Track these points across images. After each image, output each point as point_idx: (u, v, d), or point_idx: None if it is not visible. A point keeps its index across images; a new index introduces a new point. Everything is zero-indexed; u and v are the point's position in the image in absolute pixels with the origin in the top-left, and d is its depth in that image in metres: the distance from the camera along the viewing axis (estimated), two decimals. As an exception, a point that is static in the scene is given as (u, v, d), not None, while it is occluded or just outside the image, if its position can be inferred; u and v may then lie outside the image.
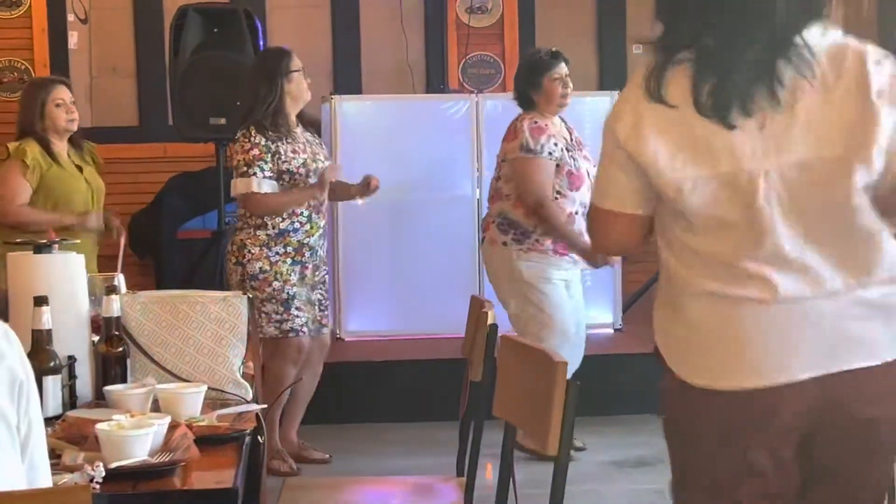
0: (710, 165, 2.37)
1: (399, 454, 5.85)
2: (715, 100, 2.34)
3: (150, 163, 8.34)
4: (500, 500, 2.87)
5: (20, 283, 2.78)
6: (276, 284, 5.31)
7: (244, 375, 2.98)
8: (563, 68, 5.63)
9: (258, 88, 5.38)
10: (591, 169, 5.60)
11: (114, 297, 2.87)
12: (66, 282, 2.81)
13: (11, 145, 5.27)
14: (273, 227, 5.32)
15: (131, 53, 8.66)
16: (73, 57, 8.61)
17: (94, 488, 2.19)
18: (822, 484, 2.42)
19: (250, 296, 3.01)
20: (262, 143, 5.25)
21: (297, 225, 5.35)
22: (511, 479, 3.05)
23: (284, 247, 5.33)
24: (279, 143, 5.28)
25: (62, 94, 5.36)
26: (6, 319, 2.80)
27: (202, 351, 2.90)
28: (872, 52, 2.36)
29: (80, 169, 5.41)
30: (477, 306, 3.54)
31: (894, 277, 2.38)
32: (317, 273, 5.45)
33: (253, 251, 5.31)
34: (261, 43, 7.32)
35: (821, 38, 2.36)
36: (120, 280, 3.15)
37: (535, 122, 5.57)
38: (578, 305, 5.76)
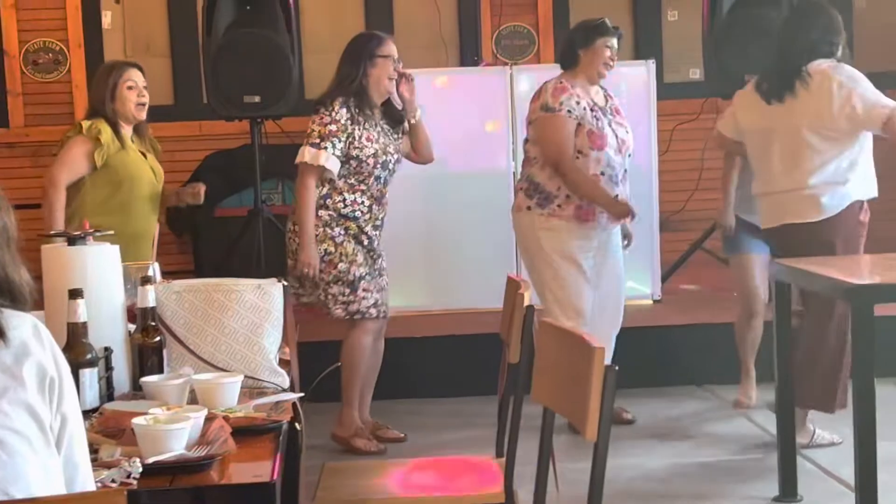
0: (758, 122, 5.24)
1: (437, 430, 5.85)
2: (765, 92, 5.18)
3: (185, 141, 8.34)
4: (539, 483, 2.85)
5: (55, 276, 2.77)
6: (341, 266, 5.28)
7: (280, 363, 2.97)
8: (616, 42, 5.67)
9: (342, 68, 5.36)
10: (625, 135, 5.63)
11: (148, 287, 2.85)
12: (100, 273, 2.79)
13: (85, 123, 5.21)
14: (334, 210, 5.29)
15: (165, 32, 8.66)
16: (107, 36, 8.62)
17: (130, 484, 2.18)
18: None
19: (285, 283, 2.99)
20: (342, 120, 5.22)
21: (357, 213, 5.31)
22: (551, 461, 3.03)
23: (345, 229, 5.30)
24: (356, 127, 5.24)
25: (134, 75, 5.29)
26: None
27: (238, 339, 2.88)
28: (837, 78, 5.01)
29: (143, 155, 5.34)
30: (513, 287, 3.51)
31: (826, 183, 5.06)
32: (377, 261, 5.42)
33: (317, 232, 5.26)
34: (293, 19, 7.30)
35: (817, 66, 5.06)
36: (155, 269, 3.14)
37: (561, 82, 5.58)
38: (609, 274, 5.72)
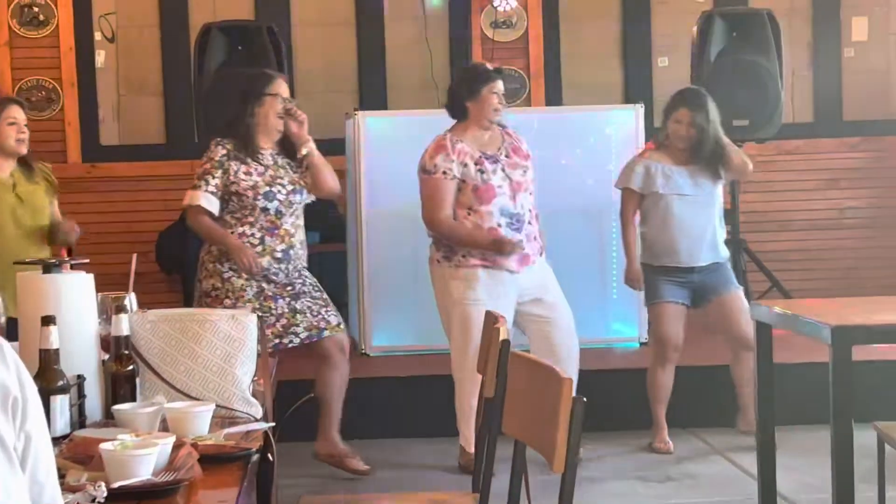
0: None
1: (423, 469, 5.83)
2: None
3: (177, 180, 8.31)
4: (510, 514, 2.86)
5: (29, 303, 2.78)
6: (227, 302, 5.28)
7: (255, 393, 2.97)
8: (502, 85, 5.64)
9: (230, 107, 5.49)
10: (521, 177, 5.62)
11: (123, 315, 2.86)
12: (74, 301, 2.80)
13: None
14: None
15: (158, 71, 8.68)
16: (101, 75, 8.65)
17: (95, 508, 2.19)
18: None
19: (260, 314, 2.99)
20: (217, 157, 5.31)
21: (247, 245, 5.30)
22: (526, 493, 3.03)
23: (235, 264, 5.30)
24: (234, 162, 5.31)
25: (15, 112, 5.38)
26: (14, 338, 2.81)
27: (211, 369, 2.88)
28: None
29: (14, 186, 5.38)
30: (490, 322, 3.52)
31: None
32: (289, 287, 5.37)
33: (208, 268, 5.34)
34: (284, 60, 7.35)
35: None
36: (130, 299, 3.14)
37: (444, 139, 5.59)
38: (552, 311, 5.70)
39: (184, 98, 8.17)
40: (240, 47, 7.30)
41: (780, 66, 7.36)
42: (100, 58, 8.65)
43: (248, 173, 5.30)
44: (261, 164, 5.34)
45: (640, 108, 7.37)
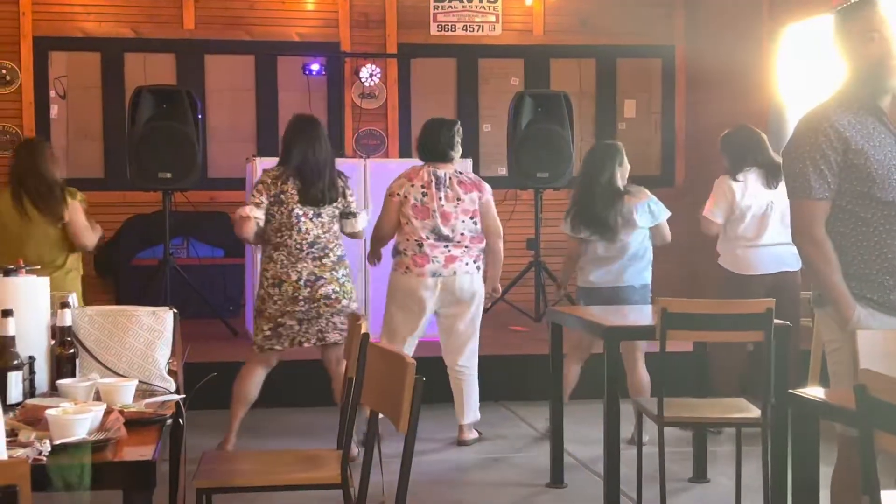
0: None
1: (303, 433, 5.76)
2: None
3: (112, 206, 8.17)
4: (364, 468, 2.85)
5: (-8, 300, 2.68)
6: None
7: (169, 372, 2.90)
8: None
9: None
10: None
11: (66, 310, 2.78)
12: (29, 298, 2.71)
13: None
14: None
15: (99, 122, 8.48)
16: (54, 125, 8.41)
17: (41, 460, 2.11)
18: None
19: (175, 310, 2.93)
20: None
21: None
22: (378, 451, 3.02)
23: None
24: None
25: None
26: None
27: (135, 353, 2.81)
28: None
29: None
30: (353, 320, 3.51)
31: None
32: None
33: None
34: (199, 116, 7.23)
35: None
36: (73, 298, 3.04)
37: None
38: None
39: (119, 143, 7.99)
40: (164, 106, 7.14)
41: (572, 134, 7.50)
42: (54, 111, 8.40)
43: None
44: None
45: (468, 162, 7.41)
